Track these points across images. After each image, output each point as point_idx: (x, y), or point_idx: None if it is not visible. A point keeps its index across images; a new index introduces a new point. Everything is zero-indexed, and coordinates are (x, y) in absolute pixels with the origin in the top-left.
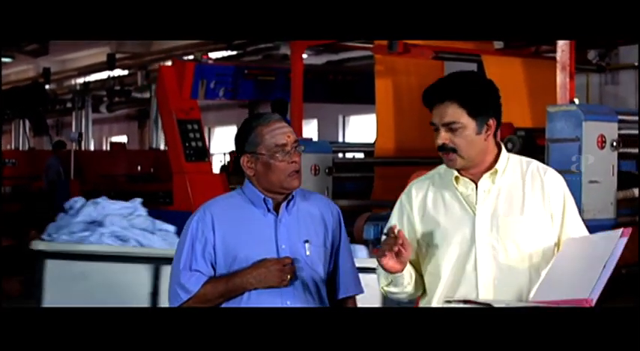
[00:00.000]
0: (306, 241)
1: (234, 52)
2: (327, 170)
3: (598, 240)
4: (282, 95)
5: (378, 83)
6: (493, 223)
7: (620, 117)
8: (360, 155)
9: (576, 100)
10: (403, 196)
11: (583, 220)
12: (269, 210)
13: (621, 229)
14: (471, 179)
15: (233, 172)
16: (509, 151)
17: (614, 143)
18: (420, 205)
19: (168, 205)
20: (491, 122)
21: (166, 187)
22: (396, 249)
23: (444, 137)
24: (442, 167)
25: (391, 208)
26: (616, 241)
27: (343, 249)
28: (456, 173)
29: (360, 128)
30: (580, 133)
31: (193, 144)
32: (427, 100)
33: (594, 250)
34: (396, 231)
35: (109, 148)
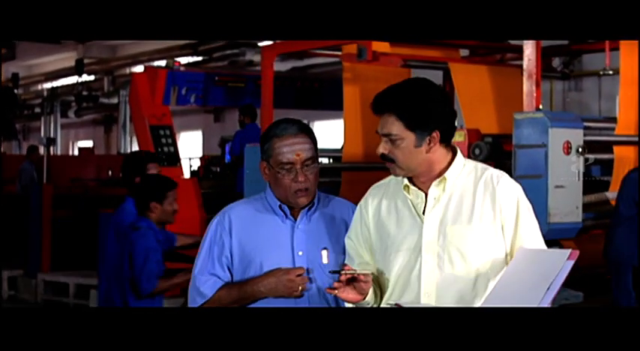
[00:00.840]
0: (324, 249)
1: (200, 58)
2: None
3: (547, 256)
4: (252, 101)
5: (345, 90)
6: (440, 231)
7: (586, 124)
8: (325, 160)
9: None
10: (362, 202)
11: (549, 223)
12: (287, 216)
13: (569, 251)
14: (420, 188)
15: (204, 177)
16: (476, 156)
17: (580, 149)
18: (374, 211)
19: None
20: (435, 134)
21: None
22: (351, 285)
23: (383, 147)
24: None
25: None
26: (563, 261)
27: None
28: (406, 181)
29: (324, 133)
30: (546, 139)
31: (165, 149)
32: (373, 109)
33: (542, 266)
34: (351, 270)
35: (76, 153)
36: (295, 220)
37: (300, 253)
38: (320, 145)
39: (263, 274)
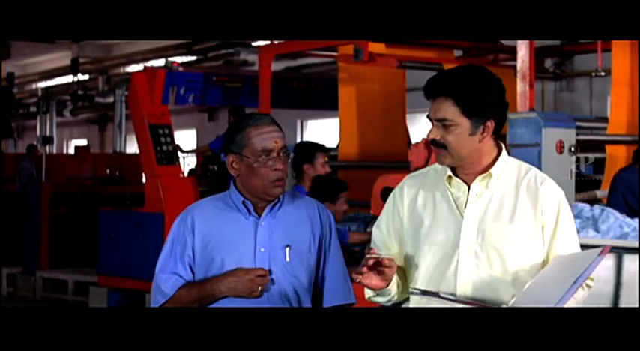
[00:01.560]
0: (287, 246)
1: (194, 58)
2: (293, 173)
3: (580, 256)
4: (249, 101)
5: (341, 90)
6: (480, 229)
7: (578, 123)
8: None
9: None
10: (396, 191)
11: None
12: (250, 212)
13: (601, 248)
14: (464, 180)
15: (202, 176)
16: None
17: (572, 148)
18: (410, 201)
19: (134, 207)
20: (489, 124)
21: (133, 190)
22: (375, 270)
23: (435, 132)
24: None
25: (354, 208)
26: (594, 257)
27: (333, 255)
28: (449, 172)
29: (318, 132)
30: (540, 139)
31: (164, 148)
32: (426, 92)
33: (574, 265)
34: (375, 254)
35: (71, 152)
36: (259, 216)
37: (262, 249)
38: None
39: (223, 274)
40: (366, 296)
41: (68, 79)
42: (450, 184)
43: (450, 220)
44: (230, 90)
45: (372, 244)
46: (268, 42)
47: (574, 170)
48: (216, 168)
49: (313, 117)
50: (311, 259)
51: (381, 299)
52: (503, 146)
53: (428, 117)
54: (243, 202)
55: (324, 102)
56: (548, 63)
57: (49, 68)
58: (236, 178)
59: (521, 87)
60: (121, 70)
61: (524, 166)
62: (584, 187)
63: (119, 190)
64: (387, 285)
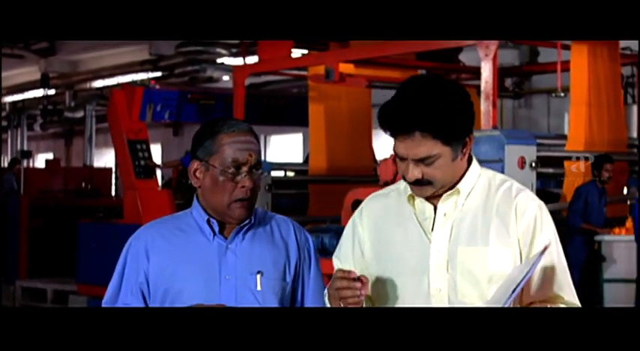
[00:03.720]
0: (259, 273)
1: (160, 73)
2: (267, 187)
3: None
4: (221, 118)
5: (311, 108)
6: (451, 253)
7: (539, 141)
8: (291, 174)
9: None
10: (355, 216)
11: None
12: (215, 234)
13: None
14: (428, 200)
15: (176, 189)
16: None
17: (533, 164)
18: (372, 227)
19: (112, 219)
20: (468, 140)
21: (106, 202)
22: (357, 294)
23: (417, 172)
24: (401, 183)
25: (325, 222)
26: (534, 259)
27: (313, 280)
28: (410, 192)
29: (280, 147)
30: (503, 155)
31: (142, 162)
32: (389, 127)
33: (517, 270)
34: (354, 276)
35: (40, 165)
36: (226, 238)
37: (229, 277)
38: (279, 159)
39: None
40: None
41: (36, 93)
42: (413, 204)
43: (417, 245)
44: (204, 107)
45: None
46: (242, 62)
47: (535, 184)
48: (190, 182)
49: (277, 132)
50: (287, 287)
51: None
52: (473, 157)
53: (398, 154)
54: (208, 221)
55: (292, 118)
56: (508, 82)
57: (17, 83)
58: (197, 190)
59: (484, 106)
60: (87, 85)
61: (499, 177)
62: (544, 199)
63: (94, 203)
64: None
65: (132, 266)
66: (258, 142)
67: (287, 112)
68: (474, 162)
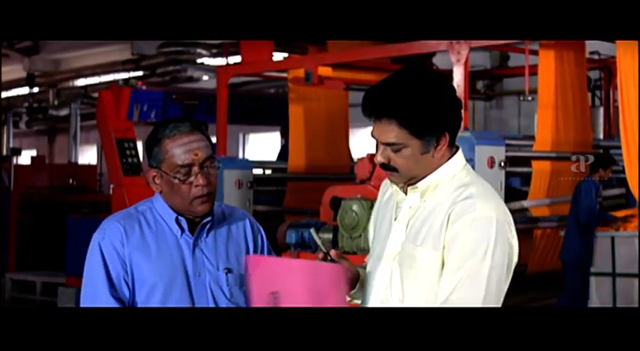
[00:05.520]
0: (227, 270)
1: (141, 73)
2: (248, 184)
3: None
4: (205, 117)
5: (291, 109)
6: (402, 246)
7: (508, 141)
8: (268, 171)
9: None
10: (380, 192)
11: None
12: (183, 231)
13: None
14: (403, 190)
15: None
16: None
17: (502, 163)
18: (377, 207)
19: (100, 214)
20: (444, 138)
21: (92, 198)
22: None
23: (383, 156)
24: None
25: (301, 215)
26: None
27: None
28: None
29: (258, 145)
30: (473, 155)
31: (130, 160)
32: (365, 112)
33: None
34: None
35: (25, 162)
36: (192, 235)
37: (199, 274)
38: (258, 157)
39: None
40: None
41: (20, 91)
42: (398, 194)
43: (387, 232)
44: (188, 107)
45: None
46: (221, 63)
47: (503, 183)
48: None
49: (255, 131)
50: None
51: (357, 301)
52: (458, 153)
53: (372, 136)
54: (177, 219)
55: (271, 118)
56: (479, 85)
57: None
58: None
59: None
60: (70, 83)
61: (465, 179)
62: (512, 197)
63: (80, 199)
64: (354, 287)
65: (112, 261)
66: (206, 136)
67: (266, 111)
68: (454, 158)
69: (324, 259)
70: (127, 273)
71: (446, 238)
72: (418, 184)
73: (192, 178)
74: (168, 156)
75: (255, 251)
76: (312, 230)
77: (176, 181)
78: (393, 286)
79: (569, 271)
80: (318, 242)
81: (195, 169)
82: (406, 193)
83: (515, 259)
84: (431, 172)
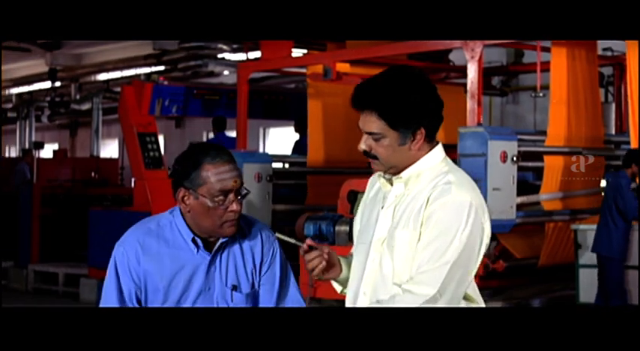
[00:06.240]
0: (234, 287)
1: (163, 68)
2: (267, 178)
3: None
4: (225, 112)
5: (310, 104)
6: (389, 231)
7: (520, 136)
8: (287, 165)
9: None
10: (365, 194)
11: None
12: (198, 250)
13: None
14: (389, 181)
15: None
16: None
17: (514, 158)
18: (365, 200)
19: (122, 207)
20: (420, 132)
21: (113, 191)
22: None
23: (365, 144)
24: None
25: (322, 210)
26: None
27: (284, 284)
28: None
29: (278, 139)
30: (486, 149)
31: (151, 154)
32: (352, 103)
33: None
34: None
35: (46, 155)
36: (207, 251)
37: (209, 289)
38: (278, 151)
39: None
40: (338, 292)
41: (42, 85)
42: (385, 185)
43: (374, 221)
44: (209, 102)
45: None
46: (245, 59)
47: (516, 177)
48: None
49: (275, 125)
50: (256, 294)
51: (338, 287)
52: (437, 146)
53: (358, 127)
54: (194, 240)
55: (291, 113)
56: (495, 81)
57: (23, 75)
58: (185, 213)
59: (470, 104)
60: (92, 78)
61: (444, 169)
62: (526, 191)
63: (102, 192)
64: (341, 271)
65: (125, 276)
66: (238, 167)
67: (286, 106)
68: (434, 151)
69: (309, 249)
70: (140, 289)
71: (423, 217)
72: (402, 174)
73: (227, 203)
74: (208, 181)
75: (261, 266)
76: (278, 234)
77: (212, 204)
78: (383, 268)
79: (614, 265)
80: (289, 239)
81: (232, 196)
82: (392, 184)
83: (487, 241)
84: (409, 164)
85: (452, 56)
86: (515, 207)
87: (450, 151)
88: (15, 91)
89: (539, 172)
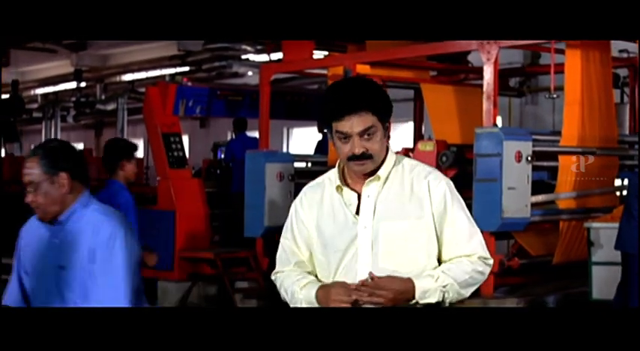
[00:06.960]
0: (60, 267)
1: (187, 68)
2: (289, 177)
3: None
4: (248, 113)
5: None
6: (375, 229)
7: (535, 137)
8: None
9: (499, 122)
10: (297, 202)
11: (503, 218)
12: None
13: None
14: (352, 188)
15: (206, 178)
16: (443, 163)
17: (529, 158)
18: (312, 212)
19: (147, 205)
20: (389, 125)
21: (138, 190)
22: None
23: (361, 146)
24: (332, 172)
25: None
26: None
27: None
28: (338, 182)
29: (302, 139)
30: (501, 149)
31: (175, 154)
32: (346, 109)
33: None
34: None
35: None
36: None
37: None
38: (300, 151)
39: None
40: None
41: (67, 86)
42: (341, 193)
43: (348, 225)
44: (232, 103)
45: (280, 251)
46: (268, 60)
47: (530, 176)
48: (218, 171)
49: (298, 125)
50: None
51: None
52: (389, 147)
53: (344, 133)
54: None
55: (312, 114)
56: (512, 82)
57: (48, 76)
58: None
59: (486, 105)
60: (117, 79)
61: (411, 162)
62: (540, 190)
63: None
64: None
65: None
66: (44, 161)
67: (308, 107)
68: (391, 151)
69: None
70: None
71: (432, 206)
72: (379, 173)
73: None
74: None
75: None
76: None
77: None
78: (380, 262)
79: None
80: None
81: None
82: (357, 192)
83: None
84: (381, 159)
85: (470, 58)
86: (530, 206)
87: (469, 151)
88: (40, 91)
89: (554, 172)
